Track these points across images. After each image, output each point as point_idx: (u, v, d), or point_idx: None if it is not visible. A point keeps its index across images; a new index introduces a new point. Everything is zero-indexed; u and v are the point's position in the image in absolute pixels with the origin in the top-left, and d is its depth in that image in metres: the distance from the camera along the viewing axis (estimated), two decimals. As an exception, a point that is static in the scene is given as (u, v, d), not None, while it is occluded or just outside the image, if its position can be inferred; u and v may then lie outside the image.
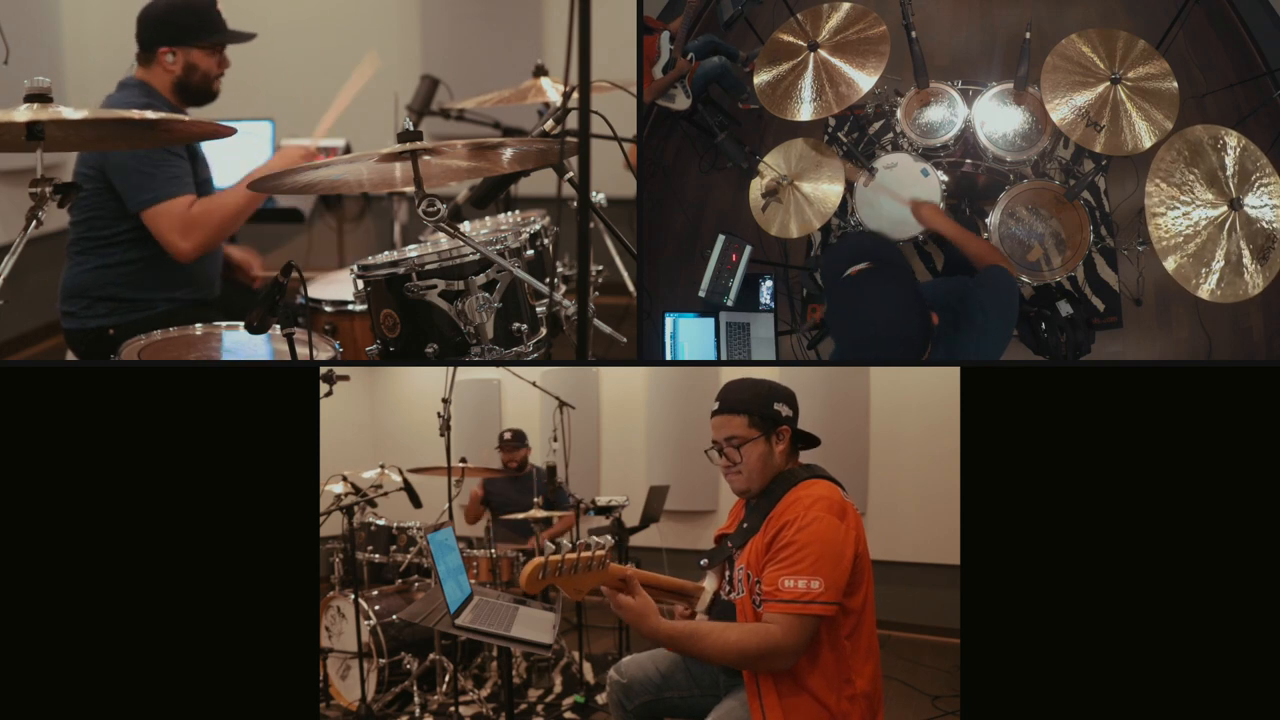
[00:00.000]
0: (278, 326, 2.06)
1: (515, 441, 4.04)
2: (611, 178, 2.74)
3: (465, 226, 2.82)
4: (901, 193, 2.77)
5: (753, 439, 1.86)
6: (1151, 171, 2.44)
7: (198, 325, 2.51)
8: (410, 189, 2.18)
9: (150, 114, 2.05)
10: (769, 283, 2.98)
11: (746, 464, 1.87)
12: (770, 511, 1.82)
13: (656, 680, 1.97)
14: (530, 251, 2.37)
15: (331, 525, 3.19)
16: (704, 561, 1.97)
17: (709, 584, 1.97)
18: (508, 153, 2.36)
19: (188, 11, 2.88)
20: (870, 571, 1.83)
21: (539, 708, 3.28)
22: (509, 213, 3.20)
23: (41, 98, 1.85)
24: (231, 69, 3.02)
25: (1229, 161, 2.44)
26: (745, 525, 1.89)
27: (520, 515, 3.56)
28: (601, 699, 3.26)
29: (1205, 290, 2.39)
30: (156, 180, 2.73)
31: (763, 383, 1.92)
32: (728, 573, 1.91)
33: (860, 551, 1.80)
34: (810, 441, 1.94)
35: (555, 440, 3.60)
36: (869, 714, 1.80)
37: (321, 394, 2.31)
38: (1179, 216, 2.42)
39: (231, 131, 2.29)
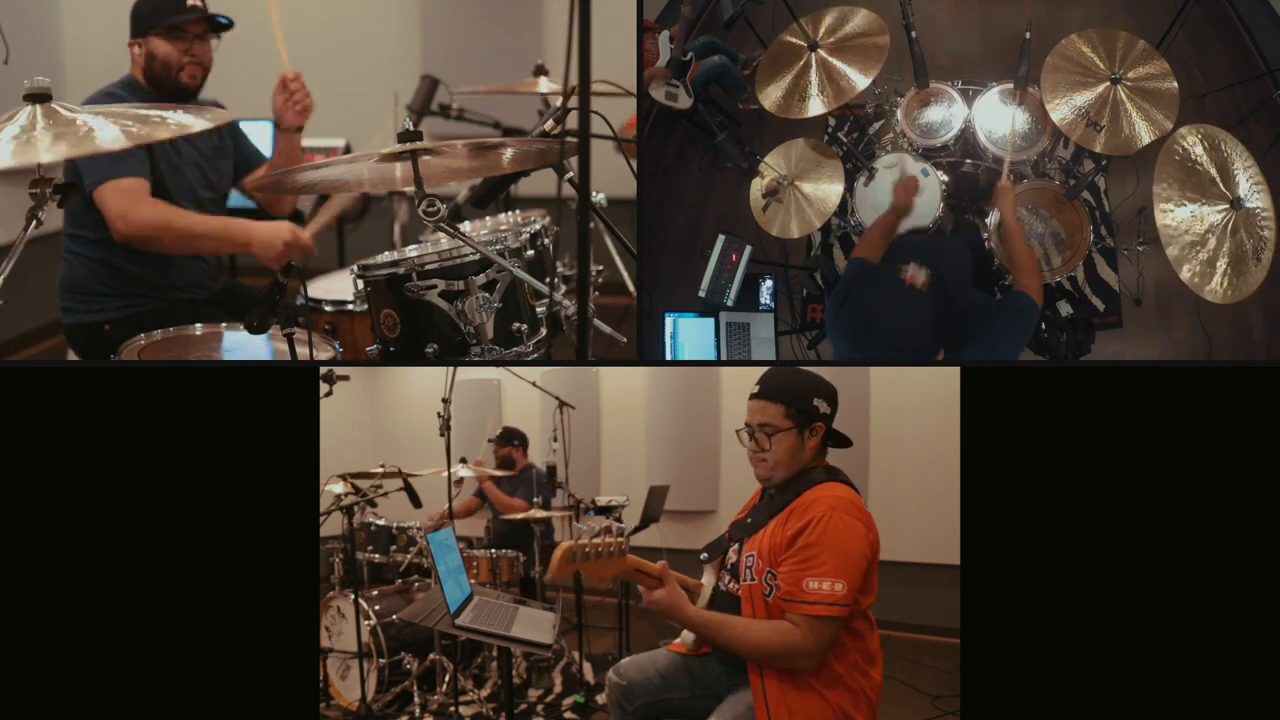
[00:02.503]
0: (278, 326, 2.07)
1: (502, 439, 4.05)
2: (612, 178, 2.74)
3: (465, 226, 2.82)
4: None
5: (785, 429, 1.86)
6: (1157, 173, 2.44)
7: (198, 325, 2.51)
8: (410, 189, 2.18)
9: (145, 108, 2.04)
10: (769, 283, 2.98)
11: (774, 453, 1.87)
12: (788, 505, 1.83)
13: (656, 682, 1.97)
14: (530, 251, 2.37)
15: (331, 525, 3.19)
16: (703, 556, 1.98)
17: (708, 579, 1.97)
18: (508, 153, 2.36)
19: (146, 2, 2.82)
20: (877, 574, 1.85)
21: (539, 708, 3.28)
22: (509, 213, 3.20)
23: (41, 97, 1.85)
24: (232, 69, 3.01)
25: (1229, 161, 2.44)
26: (750, 520, 1.90)
27: (519, 515, 3.56)
28: (601, 699, 3.26)
29: (1210, 291, 2.39)
30: (102, 161, 2.67)
31: (807, 374, 1.91)
32: (727, 565, 1.92)
33: (875, 556, 1.81)
34: (842, 442, 1.94)
35: (555, 440, 3.60)
36: (870, 713, 1.81)
37: (321, 394, 2.31)
38: (1185, 216, 2.41)
39: (229, 121, 2.24)
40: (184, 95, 2.86)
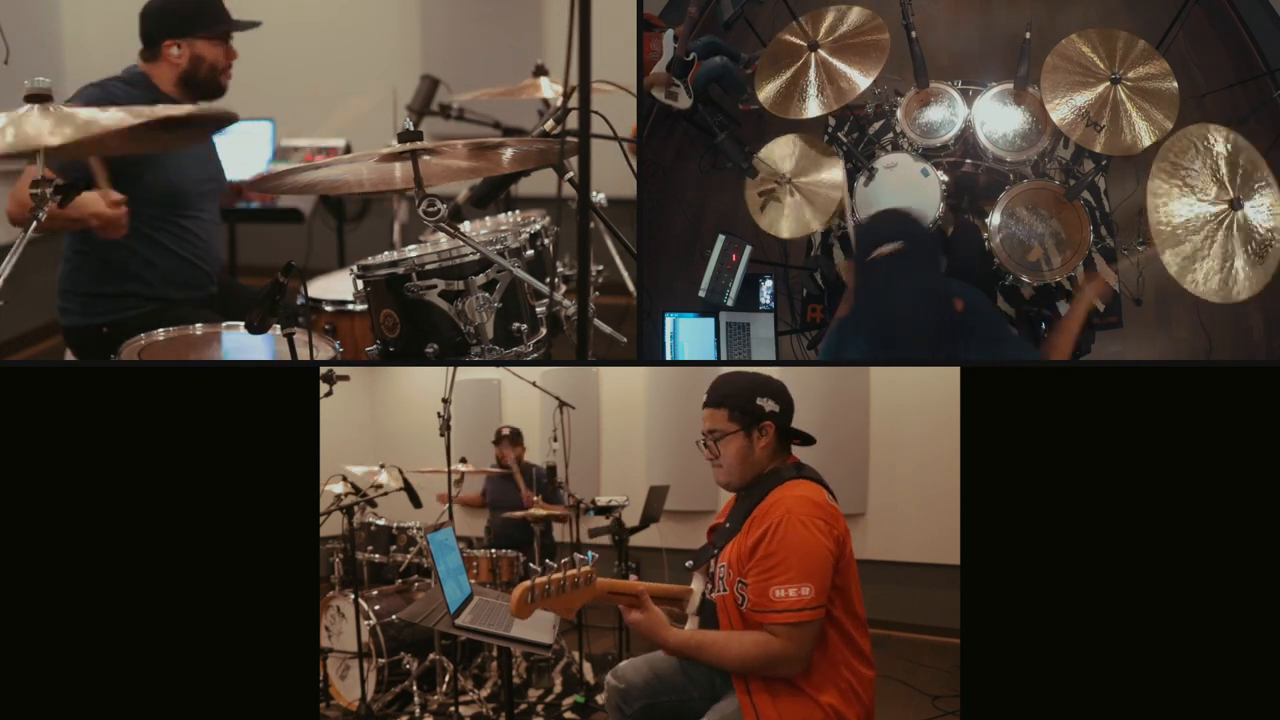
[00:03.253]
0: (278, 326, 2.07)
1: (514, 439, 4.06)
2: (612, 178, 2.74)
3: (465, 226, 2.82)
4: (902, 192, 2.78)
5: (731, 433, 1.85)
6: (1153, 171, 2.44)
7: (198, 325, 2.51)
8: (410, 189, 2.18)
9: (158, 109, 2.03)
10: (769, 283, 2.98)
11: (725, 458, 1.86)
12: (752, 511, 1.82)
13: (654, 684, 1.96)
14: (530, 251, 2.37)
15: (331, 525, 3.19)
16: (690, 563, 1.98)
17: (696, 585, 1.97)
18: (508, 153, 2.37)
19: (191, 1, 2.85)
20: (856, 571, 1.83)
21: (539, 708, 3.28)
22: (509, 213, 3.20)
23: (41, 97, 1.85)
24: (232, 69, 3.01)
25: (1229, 162, 2.44)
26: (728, 525, 1.90)
27: (520, 514, 3.56)
28: (602, 699, 3.26)
29: (1203, 290, 2.39)
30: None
31: (749, 376, 1.90)
32: (712, 571, 1.92)
33: (845, 553, 1.80)
34: (804, 439, 1.93)
35: (555, 440, 3.60)
36: (863, 713, 1.80)
37: (321, 394, 2.31)
38: (1180, 216, 2.42)
39: (230, 120, 2.24)
40: (218, 95, 2.92)
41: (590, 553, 1.84)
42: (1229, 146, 2.44)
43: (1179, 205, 2.41)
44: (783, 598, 1.71)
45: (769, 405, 1.87)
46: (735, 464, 1.86)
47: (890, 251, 2.18)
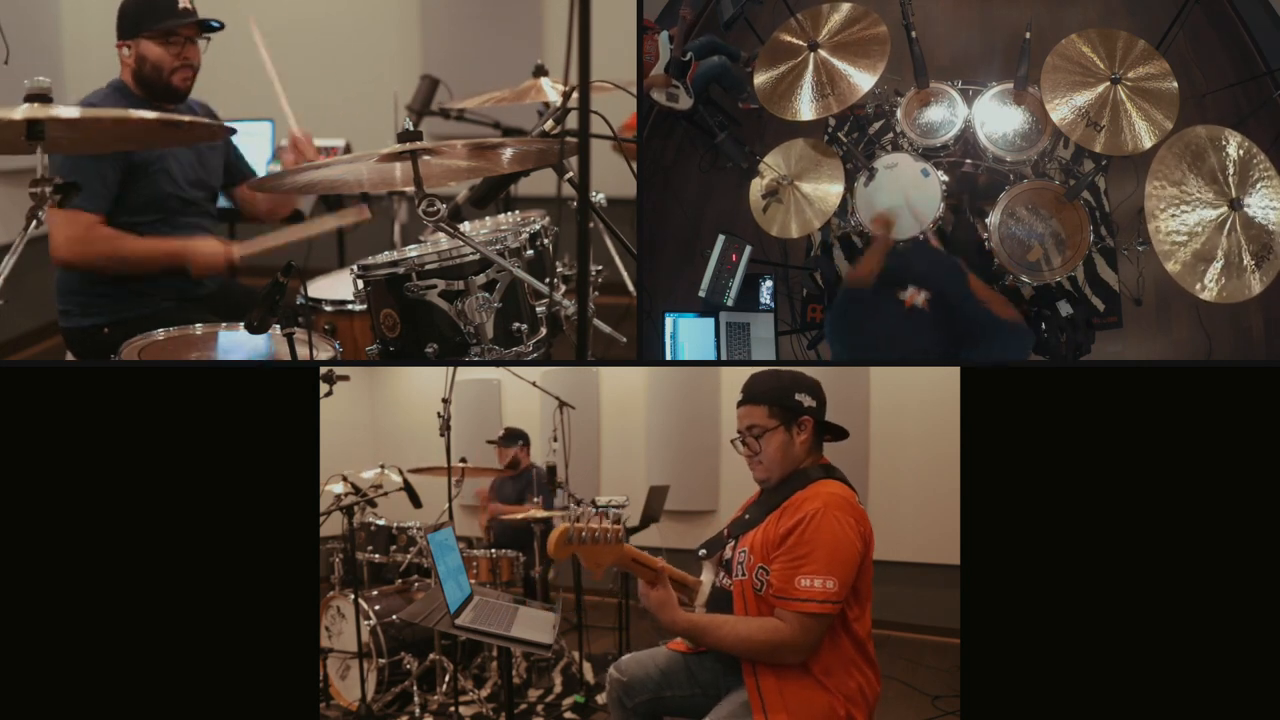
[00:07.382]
0: (278, 326, 2.07)
1: (505, 440, 4.05)
2: (612, 178, 2.74)
3: (465, 226, 2.82)
4: (901, 193, 2.78)
5: (772, 429, 1.88)
6: (1151, 172, 2.45)
7: (198, 325, 2.51)
8: (410, 189, 2.19)
9: (148, 113, 2.05)
10: (769, 283, 2.98)
11: (766, 454, 1.88)
12: (781, 504, 1.83)
13: (657, 678, 1.97)
14: (530, 251, 2.37)
15: (331, 525, 3.19)
16: (702, 551, 1.99)
17: (706, 576, 1.98)
18: (508, 153, 2.37)
19: (135, 2, 2.79)
20: (871, 572, 1.85)
21: (539, 708, 3.28)
22: (509, 213, 3.20)
23: (41, 98, 1.85)
24: (231, 69, 3.00)
25: (1229, 162, 2.44)
26: (748, 517, 1.91)
27: (520, 515, 3.56)
28: (601, 699, 3.26)
29: (1205, 291, 2.39)
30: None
31: (787, 373, 1.93)
32: (724, 561, 1.92)
33: (868, 556, 1.82)
34: (838, 433, 1.95)
35: (555, 440, 3.60)
36: (865, 712, 1.81)
37: (321, 394, 2.31)
38: (1179, 217, 2.42)
39: (230, 131, 2.26)
40: (174, 98, 2.84)
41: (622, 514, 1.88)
42: (1225, 146, 2.45)
43: (1177, 213, 2.41)
44: (807, 587, 1.73)
45: (807, 400, 1.89)
46: (776, 459, 1.88)
47: (919, 301, 2.21)
